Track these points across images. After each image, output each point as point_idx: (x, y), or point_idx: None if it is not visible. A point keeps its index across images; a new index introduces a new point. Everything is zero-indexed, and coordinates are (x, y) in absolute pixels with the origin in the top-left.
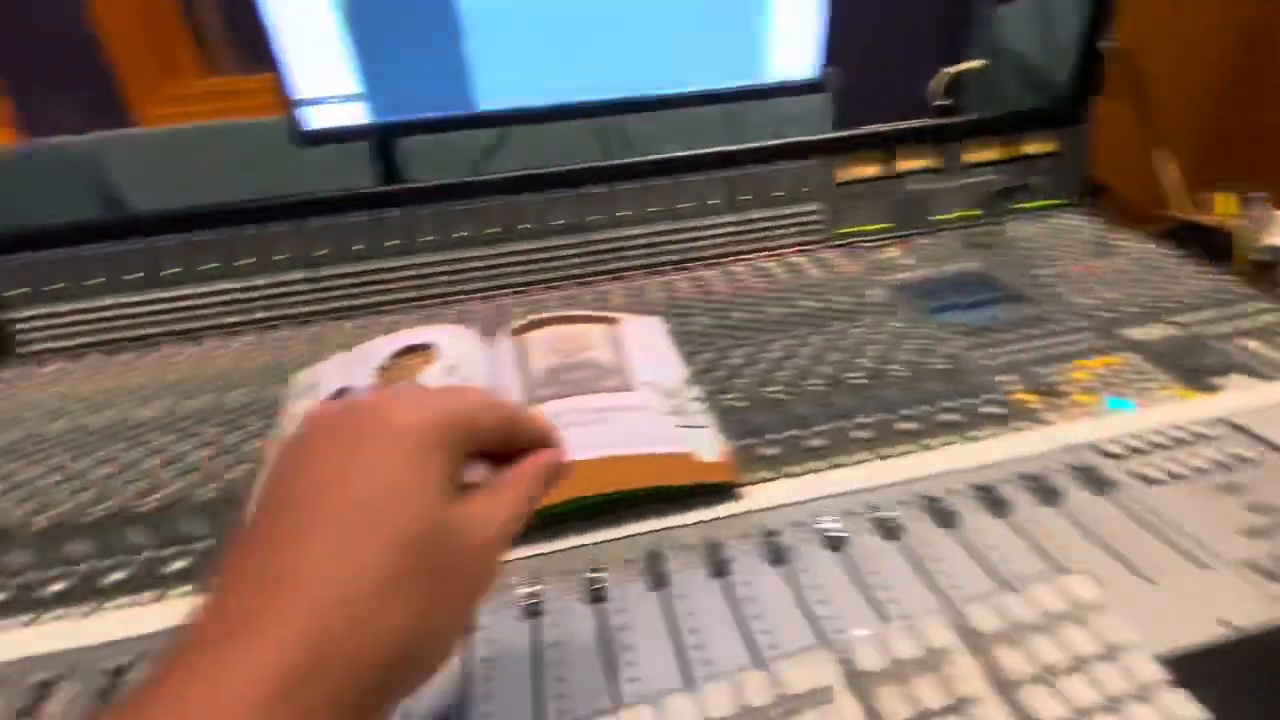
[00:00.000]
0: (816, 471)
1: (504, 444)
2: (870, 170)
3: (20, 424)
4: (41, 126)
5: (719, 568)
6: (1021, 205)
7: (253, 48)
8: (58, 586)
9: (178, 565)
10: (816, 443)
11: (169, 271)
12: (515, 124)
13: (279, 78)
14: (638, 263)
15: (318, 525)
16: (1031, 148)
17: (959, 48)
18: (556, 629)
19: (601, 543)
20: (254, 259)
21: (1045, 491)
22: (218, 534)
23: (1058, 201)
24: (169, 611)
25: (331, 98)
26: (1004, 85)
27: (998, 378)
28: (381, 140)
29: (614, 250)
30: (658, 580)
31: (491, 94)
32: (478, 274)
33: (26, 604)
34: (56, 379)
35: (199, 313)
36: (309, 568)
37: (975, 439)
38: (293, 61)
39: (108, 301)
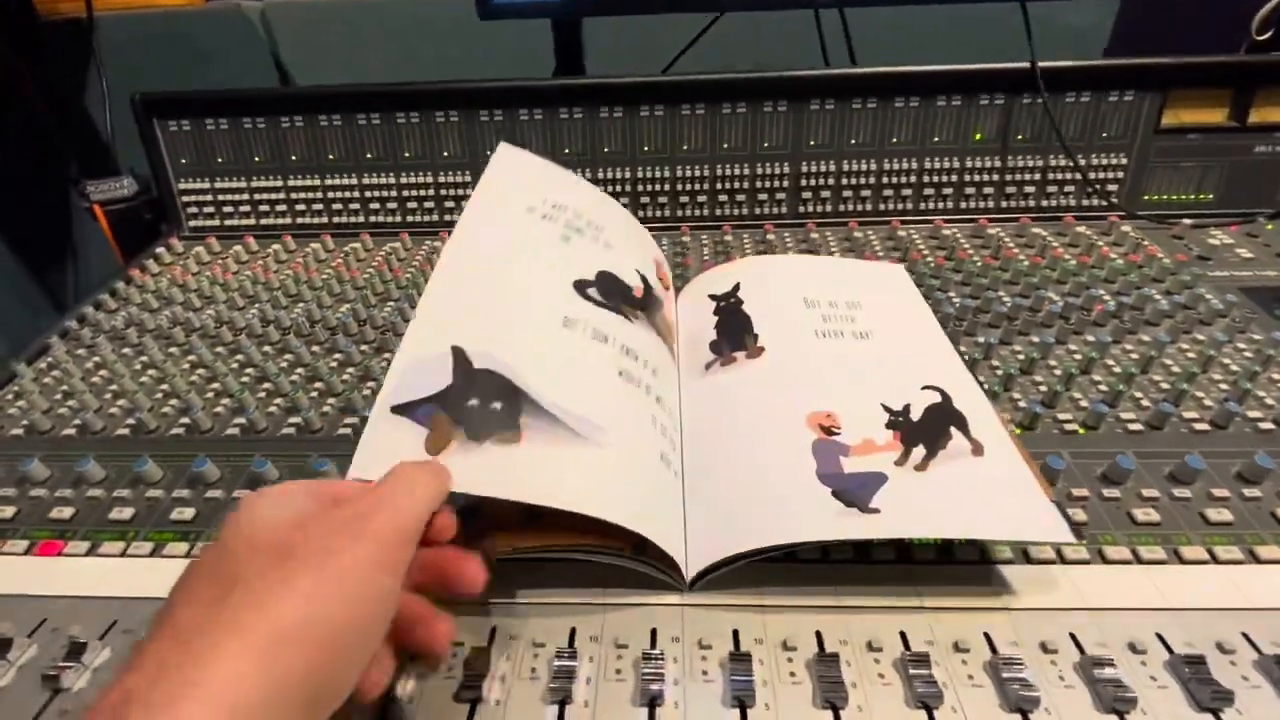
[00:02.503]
0: (1150, 562)
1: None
2: (1212, 117)
3: (170, 305)
4: None
5: (1007, 698)
6: None
7: None
8: (186, 514)
9: None
10: (1140, 514)
11: (330, 158)
12: (720, 9)
13: None
14: (862, 207)
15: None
16: None
17: None
18: None
19: (841, 608)
20: (419, 152)
21: None
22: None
23: None
24: None
25: None
26: None
27: None
28: (566, 25)
29: (833, 186)
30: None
31: None
32: (661, 196)
33: (157, 524)
34: (214, 260)
35: (355, 206)
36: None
37: None
38: None
39: (269, 183)
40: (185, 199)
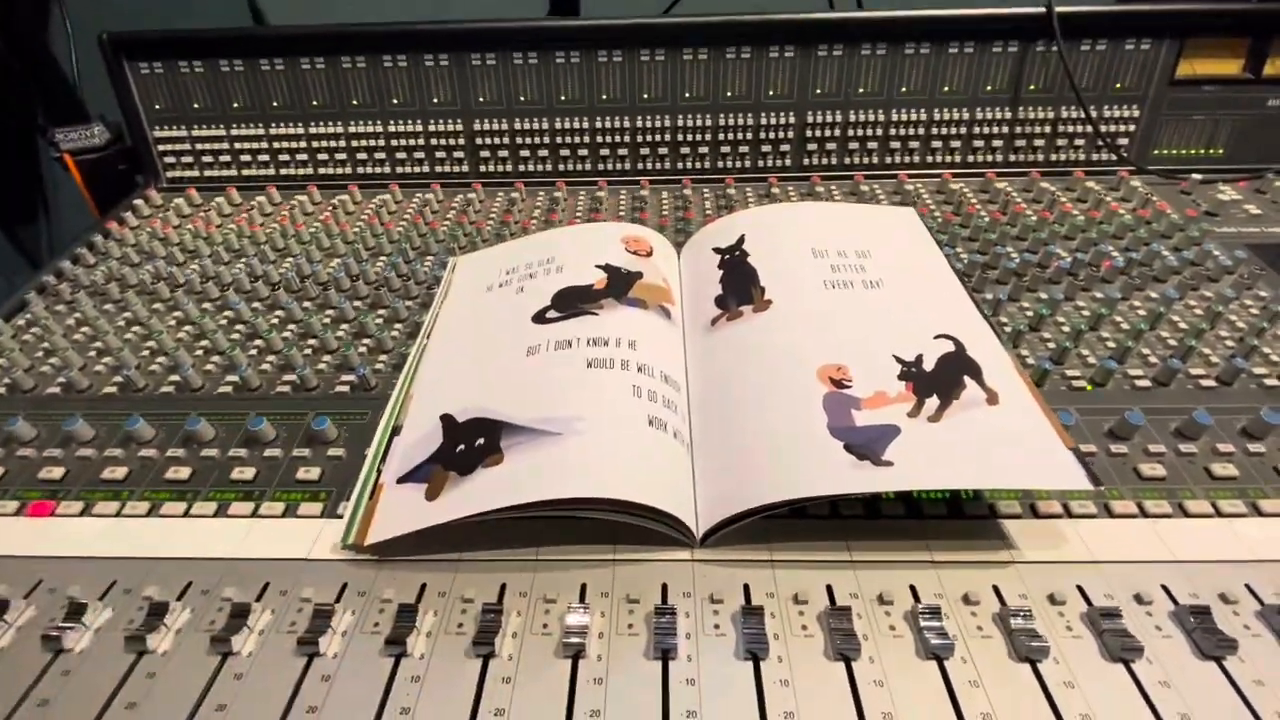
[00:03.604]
0: (1156, 516)
1: None
2: (1227, 69)
3: (152, 259)
4: None
5: (1016, 648)
6: None
7: None
8: (182, 473)
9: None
10: (1146, 469)
11: (314, 104)
12: None
13: None
14: (869, 160)
15: None
16: None
17: None
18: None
19: (848, 562)
20: (407, 99)
21: None
22: (349, 444)
23: None
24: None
25: None
26: None
27: None
28: None
29: (839, 138)
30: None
31: None
32: (661, 147)
33: (152, 483)
34: (196, 213)
35: (342, 157)
36: None
37: None
38: None
39: (250, 131)
40: (161, 148)
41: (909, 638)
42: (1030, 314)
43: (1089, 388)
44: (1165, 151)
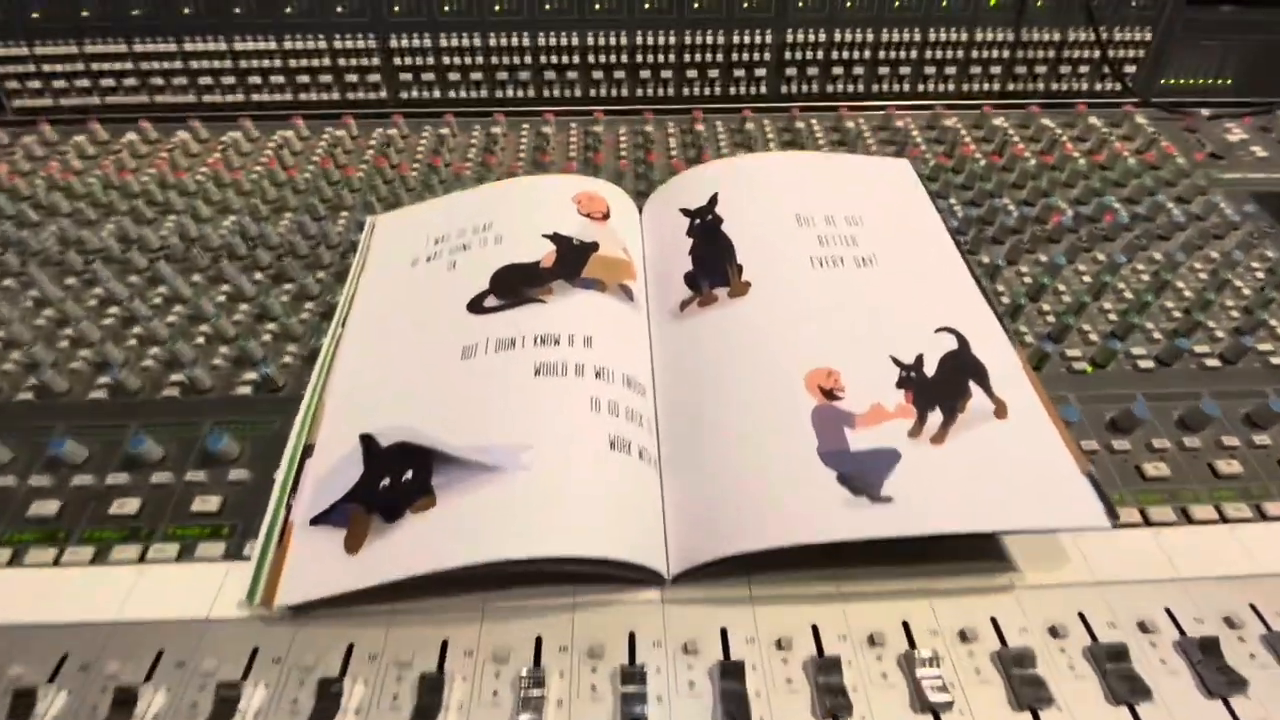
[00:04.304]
0: (1159, 524)
1: None
2: None
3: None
4: None
5: (1018, 696)
6: None
7: None
8: (47, 508)
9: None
10: (1150, 468)
11: (185, 13)
12: None
13: None
14: (855, 88)
15: None
16: None
17: None
18: None
19: (809, 596)
20: (303, 6)
21: None
22: (255, 466)
23: None
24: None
25: None
26: None
27: None
28: None
29: (822, 61)
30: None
31: None
32: (616, 70)
33: (10, 523)
34: (50, 155)
35: (230, 81)
36: None
37: None
38: None
39: (110, 49)
40: (1, 69)
41: (902, 687)
42: (1029, 280)
43: (1090, 370)
44: (1173, 82)
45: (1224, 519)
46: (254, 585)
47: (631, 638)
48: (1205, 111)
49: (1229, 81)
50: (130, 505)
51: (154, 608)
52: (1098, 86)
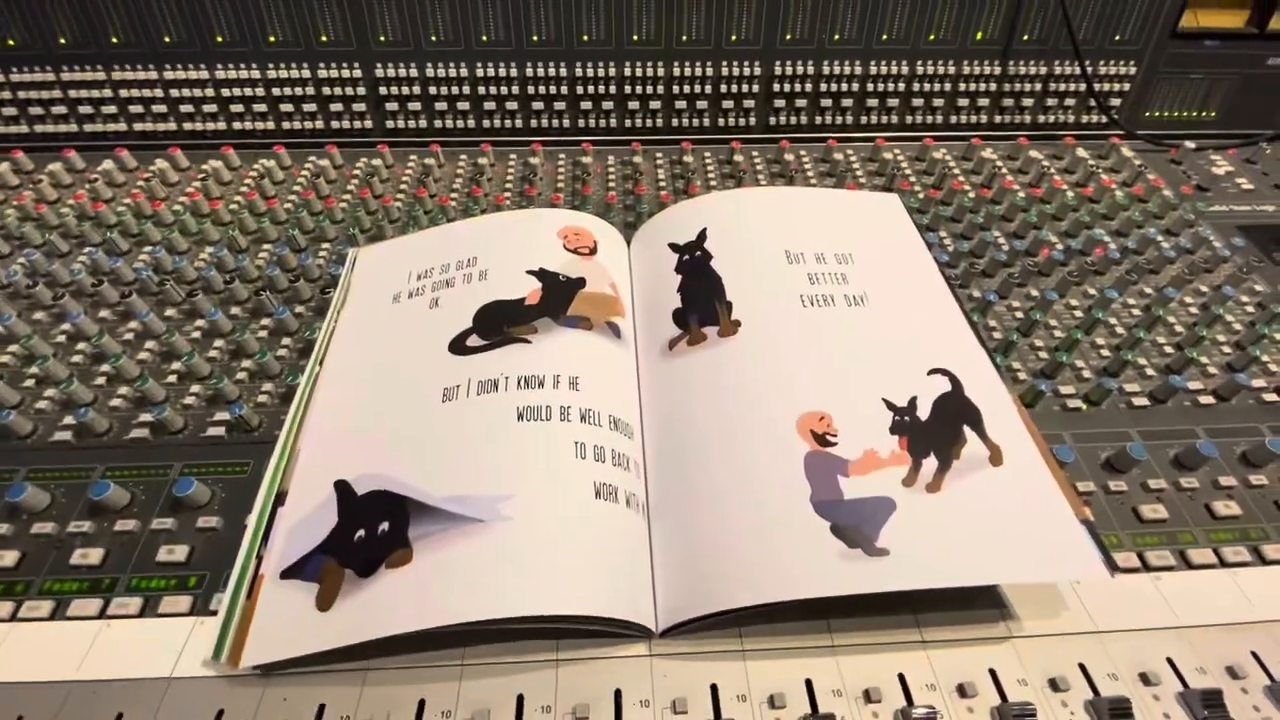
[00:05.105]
0: (1158, 569)
1: None
2: (1231, 21)
3: None
4: None
5: None
6: None
7: None
8: (6, 558)
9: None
10: (1147, 510)
11: (166, 41)
12: None
13: None
14: (843, 119)
15: None
16: None
17: None
18: None
19: (824, 647)
20: (287, 35)
21: None
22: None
23: None
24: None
25: None
26: None
27: None
28: None
29: (810, 94)
30: None
31: None
32: (605, 100)
33: None
34: (23, 186)
35: (211, 109)
36: None
37: None
38: None
39: (87, 76)
40: None
41: None
42: (1020, 315)
43: (1084, 407)
44: (1158, 114)
45: (1223, 563)
46: (220, 642)
47: (618, 696)
48: (1190, 144)
49: (1213, 114)
50: (93, 555)
51: (114, 666)
52: (1084, 119)
